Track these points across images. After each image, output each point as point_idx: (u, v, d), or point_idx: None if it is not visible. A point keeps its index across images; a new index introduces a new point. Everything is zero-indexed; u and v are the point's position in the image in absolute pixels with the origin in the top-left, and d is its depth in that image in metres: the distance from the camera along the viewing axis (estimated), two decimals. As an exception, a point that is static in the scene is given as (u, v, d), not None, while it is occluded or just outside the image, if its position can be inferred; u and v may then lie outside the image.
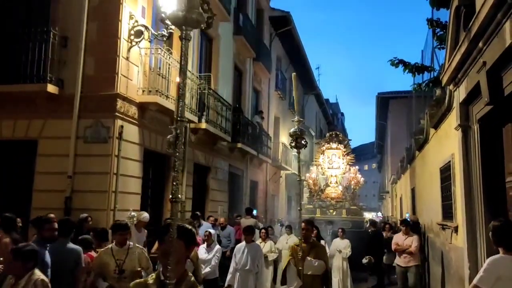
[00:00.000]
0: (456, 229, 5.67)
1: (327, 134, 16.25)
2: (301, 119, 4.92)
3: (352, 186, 14.36)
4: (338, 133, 15.79)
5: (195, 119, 9.55)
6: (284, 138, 19.61)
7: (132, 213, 5.72)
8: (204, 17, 2.03)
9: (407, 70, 8.59)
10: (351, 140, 16.12)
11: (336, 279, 8.99)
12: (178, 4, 1.95)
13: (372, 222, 13.94)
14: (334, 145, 14.77)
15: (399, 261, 8.44)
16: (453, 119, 5.53)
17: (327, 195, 14.20)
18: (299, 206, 5.31)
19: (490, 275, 3.27)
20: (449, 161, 6.02)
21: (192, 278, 2.31)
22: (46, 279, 3.70)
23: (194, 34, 10.58)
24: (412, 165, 12.71)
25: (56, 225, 4.64)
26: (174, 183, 1.93)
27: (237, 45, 14.06)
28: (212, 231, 7.30)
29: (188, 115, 8.90)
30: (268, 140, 17.08)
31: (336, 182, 14.49)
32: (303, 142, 4.90)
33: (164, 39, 8.27)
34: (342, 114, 52.52)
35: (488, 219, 4.21)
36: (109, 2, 7.74)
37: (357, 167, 15.07)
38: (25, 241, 4.85)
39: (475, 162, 4.70)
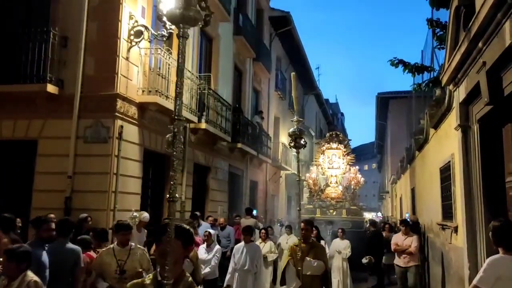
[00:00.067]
0: (456, 229, 5.67)
1: (327, 134, 16.25)
2: (301, 119, 4.92)
3: (352, 186, 14.36)
4: (338, 133, 15.79)
5: (195, 119, 9.55)
6: (284, 138, 19.60)
7: (134, 214, 5.73)
8: (201, 15, 2.02)
9: (407, 70, 8.59)
10: (351, 140, 16.12)
11: (336, 279, 8.98)
12: (176, 2, 1.95)
13: (372, 222, 13.94)
14: (334, 145, 14.78)
15: (399, 261, 8.43)
16: (453, 119, 5.53)
17: (327, 195, 14.20)
18: (298, 206, 5.31)
19: (490, 275, 3.27)
20: (449, 161, 6.01)
21: (190, 279, 2.30)
22: (40, 281, 3.69)
23: (194, 34, 10.59)
24: (412, 165, 12.71)
25: (53, 226, 4.63)
26: (172, 182, 1.93)
27: (237, 45, 14.06)
28: (211, 231, 7.30)
29: (188, 115, 8.90)
30: (268, 140, 17.08)
31: (336, 182, 14.49)
32: (302, 142, 4.90)
33: (164, 39, 8.26)
34: (342, 114, 52.50)
35: (488, 219, 4.21)
36: (109, 2, 7.74)
37: (357, 167, 15.07)
38: (25, 241, 4.86)
39: (475, 162, 4.69)
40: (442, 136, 6.85)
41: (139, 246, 5.00)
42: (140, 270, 4.59)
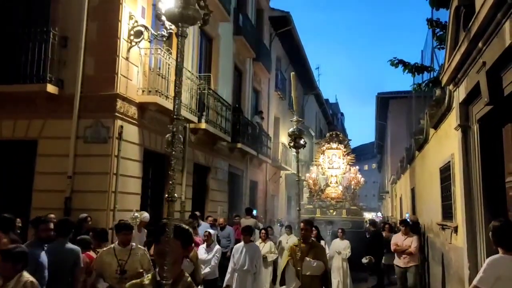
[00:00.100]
0: (456, 229, 5.67)
1: (328, 134, 16.25)
2: (300, 119, 4.92)
3: (352, 186, 14.36)
4: (338, 133, 15.79)
5: (195, 119, 9.55)
6: (284, 138, 19.60)
7: (136, 214, 5.71)
8: (200, 14, 2.02)
9: (406, 70, 8.59)
10: (351, 140, 16.13)
11: (336, 280, 8.98)
12: (175, 1, 1.94)
13: (372, 222, 13.94)
14: (334, 145, 14.78)
15: (399, 262, 8.41)
16: (453, 119, 5.53)
17: (327, 195, 14.20)
18: (298, 206, 5.30)
19: (490, 275, 3.27)
20: (449, 161, 6.01)
21: (189, 279, 2.29)
22: (36, 281, 3.69)
23: (194, 34, 10.59)
24: (412, 165, 12.70)
25: (52, 226, 4.62)
26: (171, 182, 1.93)
27: (237, 45, 14.06)
28: (211, 231, 7.30)
29: (188, 115, 8.90)
30: (268, 140, 17.08)
31: (336, 182, 14.49)
32: (301, 142, 4.90)
33: (164, 39, 8.26)
34: (342, 114, 52.52)
35: (488, 219, 4.21)
36: (109, 2, 7.74)
37: (357, 167, 15.07)
38: (25, 241, 4.86)
39: (475, 162, 4.69)
40: (442, 136, 6.85)
41: (140, 246, 4.98)
42: (141, 270, 4.57)
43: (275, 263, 8.43)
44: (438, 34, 8.18)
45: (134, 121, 8.06)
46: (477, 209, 4.60)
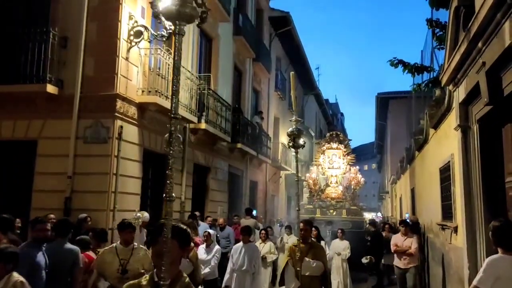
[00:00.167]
0: (455, 229, 5.66)
1: (328, 134, 16.26)
2: (299, 119, 4.91)
3: (352, 186, 14.37)
4: (338, 133, 15.81)
5: (195, 119, 9.55)
6: (284, 139, 19.58)
7: (138, 214, 5.71)
8: (198, 12, 2.01)
9: (406, 71, 8.58)
10: (351, 140, 16.13)
11: (335, 281, 8.97)
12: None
13: (372, 222, 13.94)
14: (334, 145, 14.79)
15: (399, 263, 8.36)
16: (452, 120, 5.52)
17: (327, 195, 14.21)
18: (297, 206, 5.29)
19: (489, 275, 3.27)
20: (449, 161, 6.01)
21: (187, 279, 2.27)
22: (25, 281, 3.68)
23: (194, 34, 10.58)
24: (411, 165, 12.70)
25: (48, 226, 4.61)
26: (168, 181, 1.92)
27: (236, 45, 14.05)
28: (211, 231, 7.29)
29: (187, 115, 8.90)
30: (267, 141, 17.08)
31: (336, 182, 14.50)
32: (300, 141, 4.89)
33: (164, 39, 8.25)
34: (342, 114, 52.51)
35: (488, 219, 4.20)
36: (109, 2, 7.74)
37: (357, 167, 15.07)
38: (24, 241, 4.85)
39: (474, 162, 4.69)
40: (441, 136, 6.84)
41: (141, 246, 4.96)
42: (142, 271, 4.54)
43: (274, 263, 8.42)
44: (438, 34, 8.18)
45: (134, 121, 8.05)
46: (477, 209, 4.60)
